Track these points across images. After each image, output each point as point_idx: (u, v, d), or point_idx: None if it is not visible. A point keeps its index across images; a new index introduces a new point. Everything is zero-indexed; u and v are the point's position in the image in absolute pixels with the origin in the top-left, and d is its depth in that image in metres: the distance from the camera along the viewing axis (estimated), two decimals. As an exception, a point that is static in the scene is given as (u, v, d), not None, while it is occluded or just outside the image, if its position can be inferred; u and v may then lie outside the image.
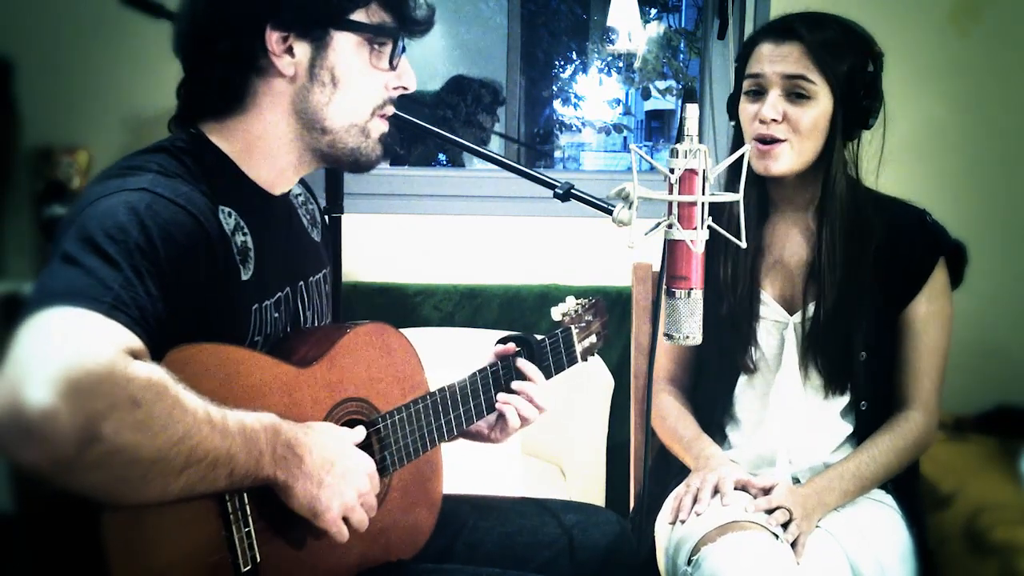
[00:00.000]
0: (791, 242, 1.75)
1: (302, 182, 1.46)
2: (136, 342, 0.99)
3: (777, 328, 1.74)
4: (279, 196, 1.33)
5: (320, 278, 1.43)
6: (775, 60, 1.63)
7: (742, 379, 1.76)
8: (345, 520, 1.19)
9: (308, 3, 1.21)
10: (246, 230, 1.24)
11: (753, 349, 1.74)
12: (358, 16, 1.25)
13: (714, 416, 1.78)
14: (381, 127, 1.31)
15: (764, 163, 1.65)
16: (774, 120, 1.63)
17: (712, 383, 1.80)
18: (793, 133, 1.63)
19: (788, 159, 1.64)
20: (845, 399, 1.72)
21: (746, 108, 1.68)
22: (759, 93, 1.66)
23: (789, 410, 1.73)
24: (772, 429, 1.74)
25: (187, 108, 1.27)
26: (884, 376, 1.73)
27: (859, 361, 1.69)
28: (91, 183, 1.16)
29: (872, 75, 1.65)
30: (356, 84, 1.26)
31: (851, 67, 1.63)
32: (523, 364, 1.51)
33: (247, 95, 1.24)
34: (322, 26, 1.23)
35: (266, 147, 1.27)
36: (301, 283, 1.37)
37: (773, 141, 1.64)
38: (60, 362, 0.89)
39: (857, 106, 1.64)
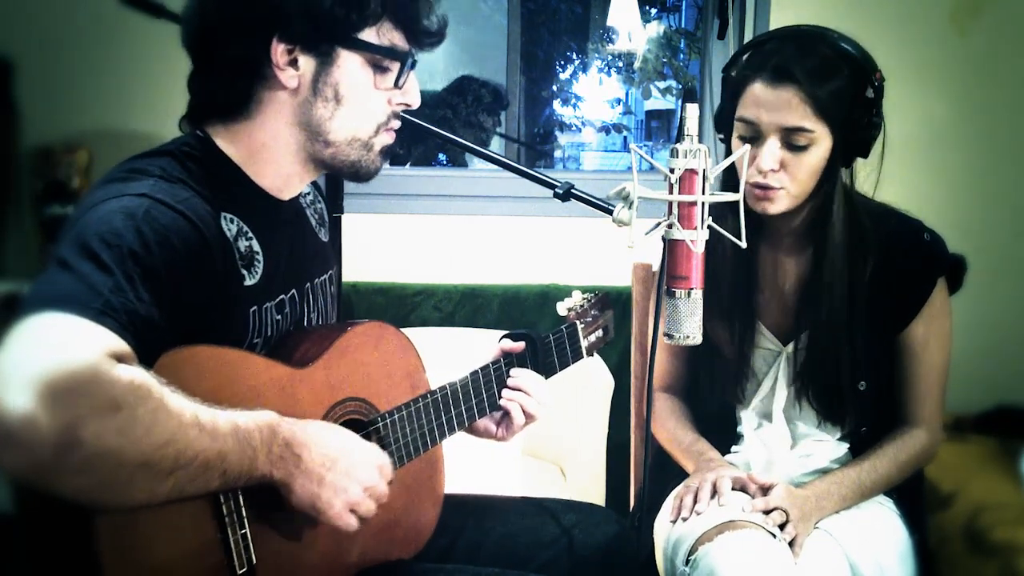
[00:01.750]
0: (783, 268, 1.71)
1: (312, 182, 1.46)
2: (122, 346, 0.99)
3: (771, 356, 1.72)
4: (287, 201, 1.33)
5: (326, 279, 1.43)
6: (771, 108, 1.52)
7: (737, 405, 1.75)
8: (352, 512, 1.19)
9: (317, 18, 1.20)
10: (251, 235, 1.24)
11: (745, 382, 1.72)
12: (368, 35, 1.24)
13: (714, 433, 1.76)
14: (386, 140, 1.31)
15: (762, 205, 1.58)
16: (772, 170, 1.55)
17: (713, 404, 1.78)
18: (791, 181, 1.56)
19: (785, 201, 1.58)
20: (844, 426, 1.71)
21: (740, 148, 1.59)
22: (754, 137, 1.56)
23: (778, 438, 1.71)
24: (755, 458, 1.72)
25: (195, 106, 1.28)
26: (884, 402, 1.70)
27: (856, 391, 1.66)
28: (94, 186, 1.17)
29: (871, 101, 1.56)
30: (360, 102, 1.26)
31: (851, 103, 1.53)
32: (516, 372, 1.51)
33: (251, 102, 1.24)
34: (329, 42, 1.22)
35: (270, 155, 1.27)
36: (307, 285, 1.37)
37: (769, 188, 1.56)
38: (40, 367, 0.90)
39: (857, 137, 1.56)
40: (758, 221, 1.67)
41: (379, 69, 1.27)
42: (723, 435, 1.76)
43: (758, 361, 1.72)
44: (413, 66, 1.30)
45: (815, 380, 1.67)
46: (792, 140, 1.54)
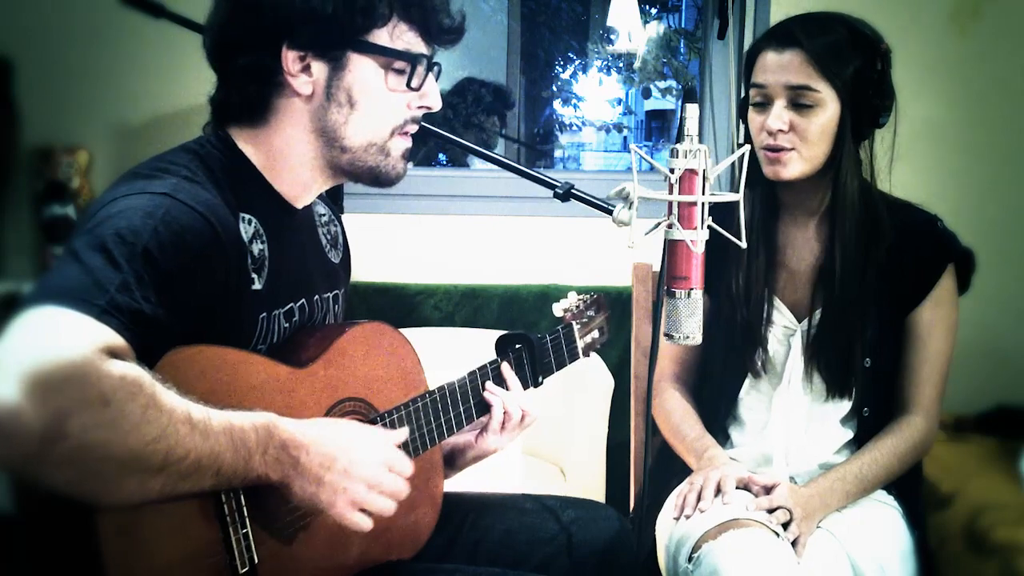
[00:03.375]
0: (801, 247, 1.74)
1: (328, 205, 1.48)
2: (119, 342, 0.99)
3: (785, 334, 1.74)
4: (301, 209, 1.34)
5: (331, 297, 1.42)
6: (777, 70, 1.62)
7: (747, 382, 1.76)
8: (363, 510, 1.18)
9: (322, 24, 1.20)
10: (264, 239, 1.24)
11: (763, 353, 1.74)
12: (379, 37, 1.24)
13: (718, 417, 1.78)
14: (403, 144, 1.30)
15: (774, 168, 1.64)
16: (780, 130, 1.61)
17: (718, 384, 1.80)
18: (801, 142, 1.62)
19: (798, 165, 1.63)
20: (848, 405, 1.72)
21: (753, 118, 1.67)
22: (765, 103, 1.64)
23: (790, 415, 1.73)
24: (773, 433, 1.74)
25: (216, 115, 1.29)
26: (887, 382, 1.73)
27: (862, 368, 1.69)
28: (119, 179, 1.17)
29: (880, 73, 1.63)
30: (373, 105, 1.26)
31: (856, 69, 1.61)
32: (505, 371, 1.50)
33: (268, 110, 1.25)
34: (339, 47, 1.22)
35: (288, 161, 1.28)
36: (315, 297, 1.37)
37: (781, 150, 1.63)
38: (30, 358, 0.90)
39: (866, 106, 1.63)
40: (777, 201, 1.73)
41: (393, 71, 1.26)
42: (728, 420, 1.78)
43: (773, 339, 1.74)
44: (431, 67, 1.29)
45: (825, 356, 1.69)
46: (798, 99, 1.61)
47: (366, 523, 1.18)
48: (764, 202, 1.72)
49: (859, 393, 1.71)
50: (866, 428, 1.72)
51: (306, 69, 1.22)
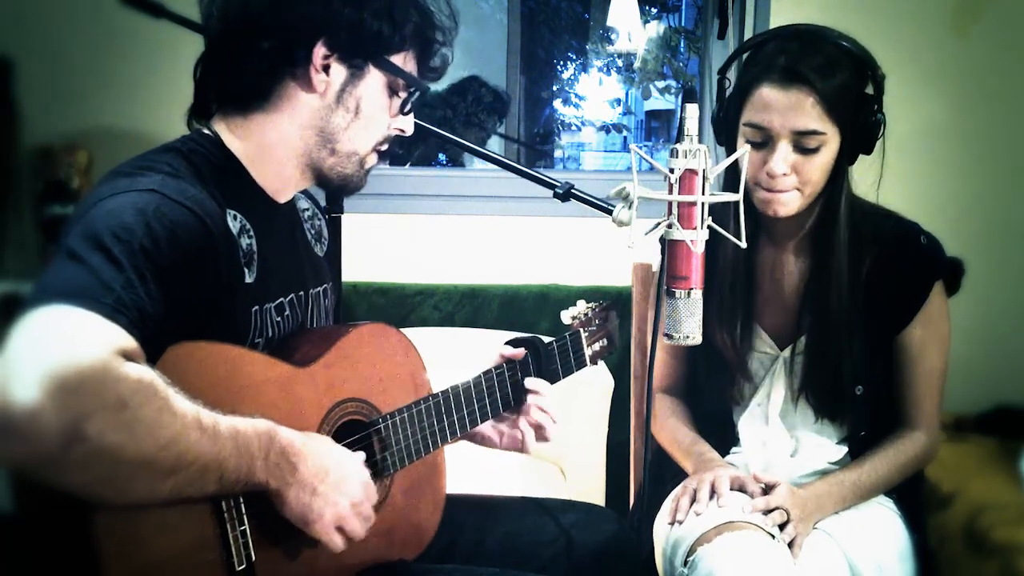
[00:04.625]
0: (784, 272, 1.70)
1: (310, 198, 1.50)
2: (131, 343, 0.99)
3: (769, 360, 1.71)
4: (283, 204, 1.35)
5: (320, 291, 1.43)
6: (784, 111, 1.51)
7: (734, 408, 1.75)
8: (340, 530, 1.19)
9: (362, 33, 1.25)
10: (251, 233, 1.25)
11: (743, 383, 1.72)
12: (398, 59, 1.30)
13: (712, 436, 1.76)
14: (374, 160, 1.36)
15: (772, 208, 1.57)
16: (783, 173, 1.54)
17: (710, 405, 1.78)
18: (803, 183, 1.55)
19: (797, 203, 1.57)
20: (842, 430, 1.70)
21: (750, 154, 1.55)
22: (764, 143, 1.54)
23: (773, 443, 1.71)
24: (758, 460, 1.72)
25: (210, 94, 1.29)
26: (882, 404, 1.69)
27: (854, 395, 1.65)
28: (102, 180, 1.17)
29: (874, 97, 1.56)
30: (372, 119, 1.31)
31: (857, 99, 1.54)
32: (530, 382, 1.51)
33: (273, 95, 1.27)
34: (364, 58, 1.27)
35: (276, 154, 1.29)
36: (304, 292, 1.38)
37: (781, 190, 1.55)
38: (49, 360, 0.90)
39: (862, 135, 1.56)
40: (758, 222, 1.67)
41: (392, 93, 1.32)
42: (722, 436, 1.76)
43: (755, 364, 1.72)
44: (423, 95, 1.35)
45: (815, 383, 1.66)
46: (803, 143, 1.53)
47: (340, 543, 1.19)
48: (746, 229, 1.65)
49: (853, 419, 1.68)
50: (863, 449, 1.69)
51: (327, 68, 1.26)
